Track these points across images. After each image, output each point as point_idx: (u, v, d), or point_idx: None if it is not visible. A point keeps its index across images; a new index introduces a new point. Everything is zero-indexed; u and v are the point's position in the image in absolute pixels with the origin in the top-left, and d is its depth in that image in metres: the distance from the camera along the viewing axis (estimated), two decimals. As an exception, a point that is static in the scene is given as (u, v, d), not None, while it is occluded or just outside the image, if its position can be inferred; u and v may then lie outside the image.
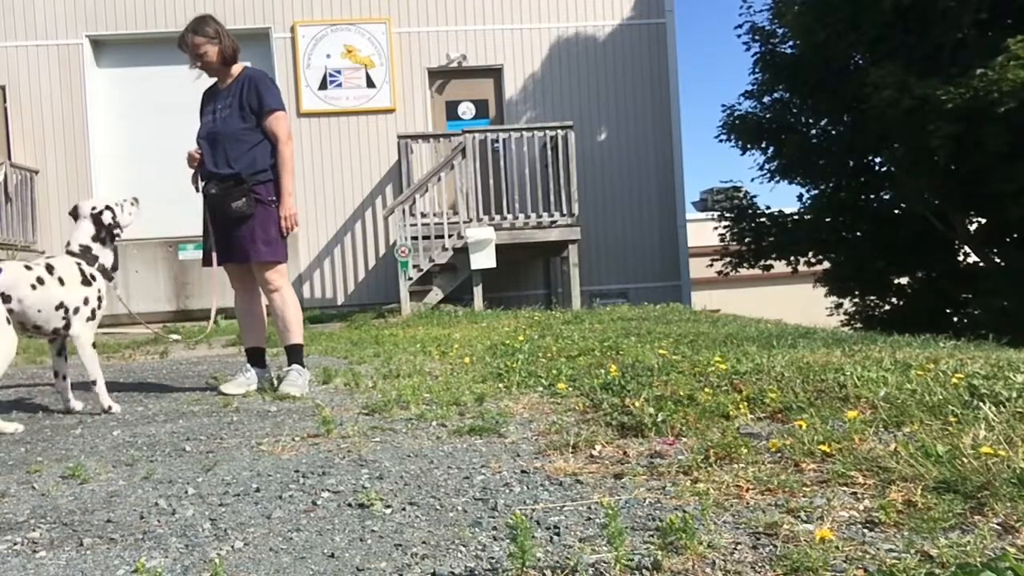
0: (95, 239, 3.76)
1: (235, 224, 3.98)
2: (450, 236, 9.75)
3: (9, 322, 3.34)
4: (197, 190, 4.17)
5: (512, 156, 10.18)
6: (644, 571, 1.51)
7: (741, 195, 15.27)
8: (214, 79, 4.22)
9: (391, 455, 2.56)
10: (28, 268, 3.49)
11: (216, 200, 3.98)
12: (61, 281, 3.55)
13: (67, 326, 3.59)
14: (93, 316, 3.66)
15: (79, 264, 3.67)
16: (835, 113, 13.12)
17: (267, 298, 4.16)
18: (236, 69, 4.14)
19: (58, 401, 3.97)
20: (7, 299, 3.36)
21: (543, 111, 11.87)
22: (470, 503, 2.02)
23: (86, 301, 3.62)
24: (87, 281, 3.66)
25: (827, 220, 13.81)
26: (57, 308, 3.53)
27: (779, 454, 2.21)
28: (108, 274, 3.79)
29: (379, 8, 11.72)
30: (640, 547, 1.64)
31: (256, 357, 4.22)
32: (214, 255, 4.09)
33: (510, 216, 10.05)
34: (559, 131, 10.13)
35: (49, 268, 3.55)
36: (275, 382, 4.11)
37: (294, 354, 4.16)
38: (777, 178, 14.25)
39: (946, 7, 9.99)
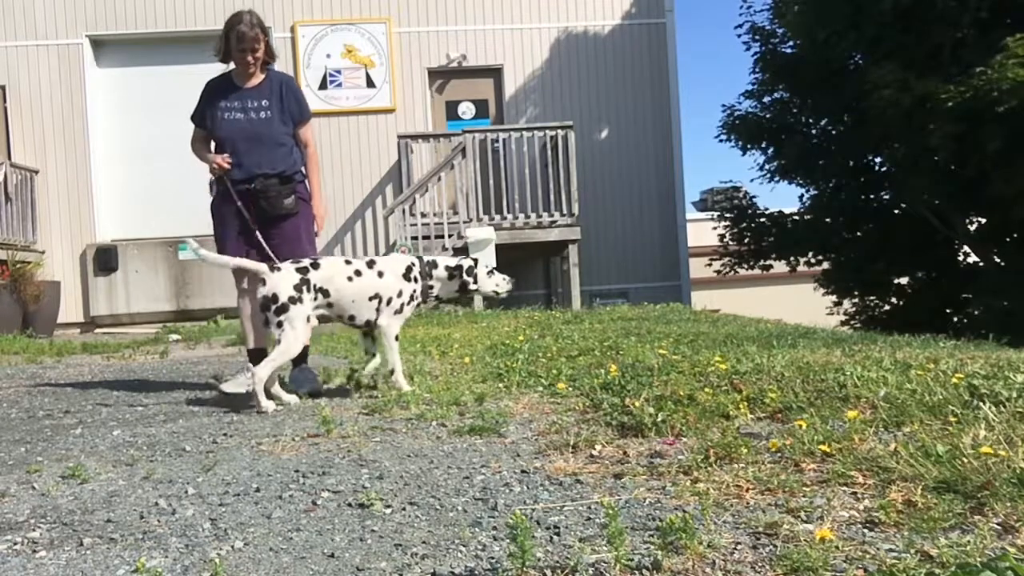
0: (450, 270, 3.93)
1: (279, 221, 4.03)
2: (450, 236, 9.76)
3: (309, 319, 3.60)
4: (212, 193, 4.14)
5: (512, 156, 10.18)
6: (644, 571, 1.51)
7: (741, 195, 15.27)
8: (219, 74, 4.17)
9: (391, 455, 2.56)
10: (348, 263, 3.78)
11: (263, 196, 3.97)
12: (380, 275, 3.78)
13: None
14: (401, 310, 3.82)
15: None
16: (835, 113, 13.12)
17: None
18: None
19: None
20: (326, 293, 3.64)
21: (543, 111, 11.87)
22: (470, 503, 2.02)
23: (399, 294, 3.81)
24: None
25: (827, 220, 13.81)
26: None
27: (779, 454, 2.20)
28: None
29: (379, 8, 11.73)
30: (640, 547, 1.64)
31: (260, 358, 4.21)
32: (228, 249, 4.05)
33: (510, 216, 10.05)
34: (559, 131, 10.13)
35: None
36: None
37: (306, 353, 4.17)
38: (777, 178, 14.25)
39: (946, 7, 9.99)
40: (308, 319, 3.61)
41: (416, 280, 3.83)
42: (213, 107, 4.10)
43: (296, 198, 4.07)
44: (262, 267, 3.62)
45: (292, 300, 3.53)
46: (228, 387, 4.06)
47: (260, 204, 3.99)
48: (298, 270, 3.60)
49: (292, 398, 3.73)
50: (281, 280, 3.55)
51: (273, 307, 3.54)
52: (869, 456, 2.06)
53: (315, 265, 3.65)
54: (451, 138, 10.77)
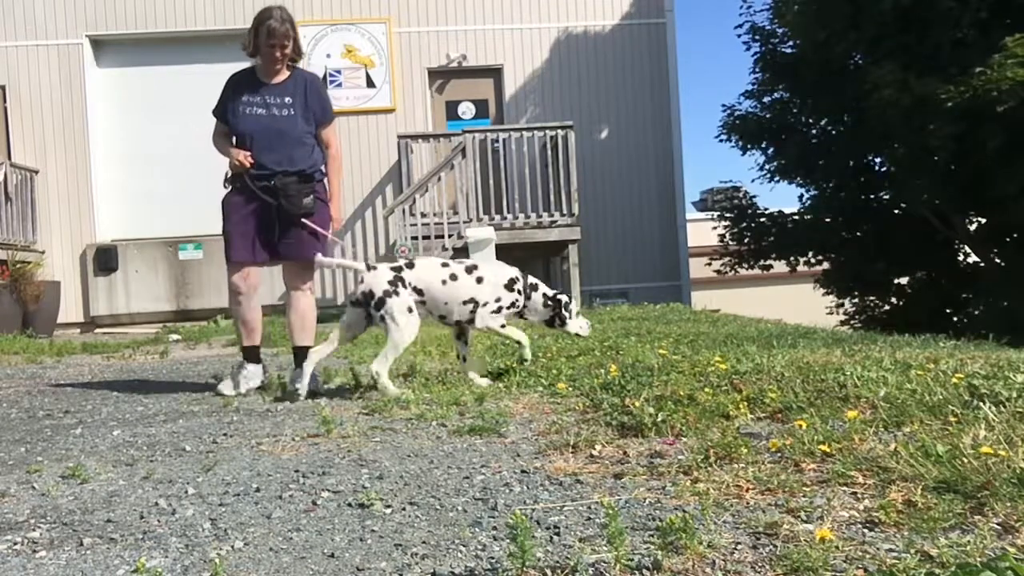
0: (547, 298, 4.06)
1: (297, 221, 4.01)
2: (450, 236, 9.75)
3: (411, 310, 3.72)
4: (226, 187, 4.10)
5: (512, 156, 10.18)
6: (644, 571, 1.51)
7: (741, 195, 15.27)
8: (242, 68, 4.14)
9: (391, 455, 2.56)
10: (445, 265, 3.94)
11: (283, 194, 3.95)
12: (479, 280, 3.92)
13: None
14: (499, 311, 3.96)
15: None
16: (835, 113, 13.12)
17: (297, 297, 4.13)
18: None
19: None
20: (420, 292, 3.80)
21: (543, 111, 11.87)
22: (470, 503, 2.02)
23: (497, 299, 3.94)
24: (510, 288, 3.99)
25: (827, 220, 13.81)
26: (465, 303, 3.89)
27: (779, 454, 2.20)
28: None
29: (379, 8, 11.73)
30: (640, 547, 1.64)
31: (256, 354, 4.21)
32: (248, 249, 4.02)
33: (510, 216, 10.05)
34: (559, 131, 10.13)
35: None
36: (275, 381, 4.10)
37: (305, 354, 4.17)
38: (777, 178, 14.25)
39: (946, 7, 9.99)
40: (410, 309, 3.72)
41: (519, 293, 3.99)
42: (235, 101, 4.04)
43: (315, 198, 4.05)
44: (360, 266, 3.79)
45: (387, 293, 3.70)
46: (224, 388, 4.04)
47: (280, 202, 3.96)
48: (392, 269, 3.79)
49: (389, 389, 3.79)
50: (376, 277, 3.73)
51: (372, 303, 3.71)
52: (869, 456, 2.06)
53: (410, 265, 3.83)
54: (451, 138, 10.77)
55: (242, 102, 4.03)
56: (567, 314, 4.05)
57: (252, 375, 4.12)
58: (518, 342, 4.01)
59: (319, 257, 3.91)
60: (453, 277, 3.83)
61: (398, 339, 3.68)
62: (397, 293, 3.70)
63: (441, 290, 3.81)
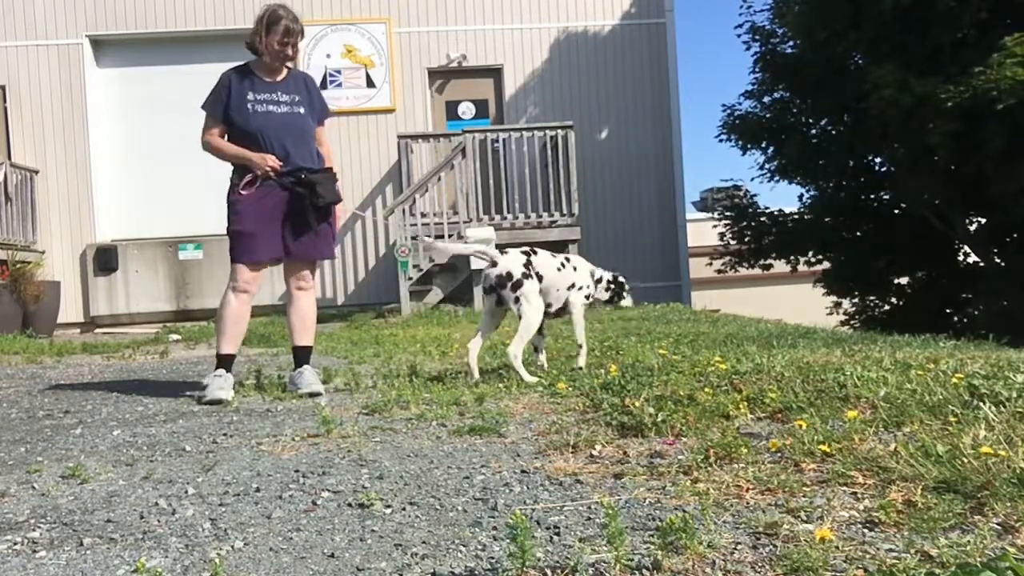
0: (609, 282, 4.38)
1: (321, 217, 4.02)
2: (450, 236, 9.76)
3: (539, 295, 3.95)
4: (242, 187, 3.97)
5: (512, 156, 10.19)
6: (644, 571, 1.51)
7: (741, 194, 15.27)
8: (236, 65, 4.09)
9: (391, 455, 2.56)
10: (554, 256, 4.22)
11: (319, 185, 3.94)
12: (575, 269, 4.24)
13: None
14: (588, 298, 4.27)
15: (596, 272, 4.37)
16: (835, 113, 13.13)
17: (299, 296, 4.12)
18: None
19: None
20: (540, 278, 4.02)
21: (543, 111, 11.87)
22: (470, 503, 2.02)
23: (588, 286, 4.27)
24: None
25: (827, 220, 13.81)
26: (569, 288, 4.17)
27: (779, 454, 2.20)
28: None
29: (379, 8, 11.73)
30: (640, 547, 1.64)
31: (229, 363, 4.07)
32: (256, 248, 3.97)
33: (510, 216, 10.05)
34: (559, 131, 10.14)
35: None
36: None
37: (309, 353, 4.17)
38: (777, 178, 14.26)
39: (946, 7, 10.00)
40: (538, 294, 3.92)
41: (597, 284, 4.30)
42: (240, 99, 3.97)
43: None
44: (494, 251, 3.98)
45: (525, 276, 3.89)
46: (214, 394, 3.92)
47: (317, 192, 3.94)
48: (523, 253, 3.99)
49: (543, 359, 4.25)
50: (512, 260, 3.92)
51: (509, 284, 3.88)
52: (869, 456, 2.06)
53: (533, 251, 4.06)
54: (451, 138, 10.78)
55: (249, 100, 3.97)
56: (625, 293, 4.41)
57: (229, 382, 4.02)
58: (580, 345, 4.20)
59: (449, 246, 4.10)
60: (563, 265, 4.13)
61: (532, 320, 3.87)
62: (531, 277, 3.91)
63: (557, 275, 4.07)
